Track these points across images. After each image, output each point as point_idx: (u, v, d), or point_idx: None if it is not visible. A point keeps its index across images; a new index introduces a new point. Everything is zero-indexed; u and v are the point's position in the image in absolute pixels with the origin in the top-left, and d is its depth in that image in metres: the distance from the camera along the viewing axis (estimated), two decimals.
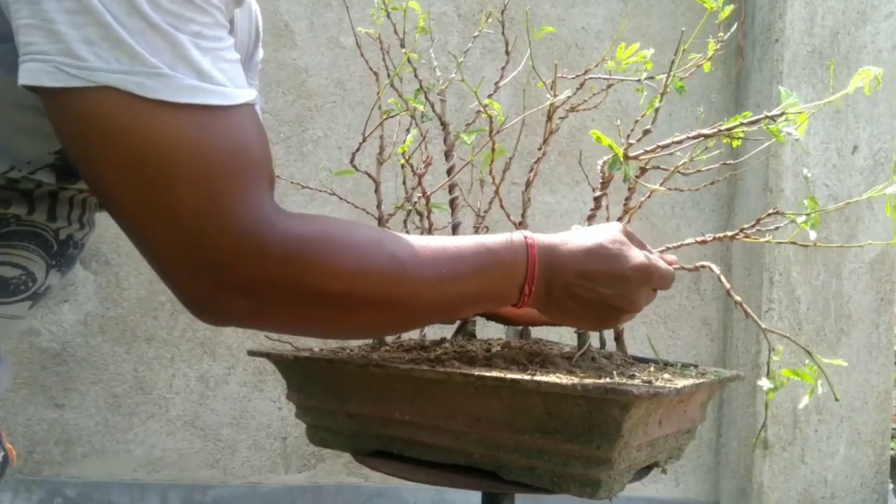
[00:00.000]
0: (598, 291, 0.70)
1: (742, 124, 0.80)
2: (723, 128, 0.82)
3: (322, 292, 0.60)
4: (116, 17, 0.50)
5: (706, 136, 0.83)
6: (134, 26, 0.51)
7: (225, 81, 0.55)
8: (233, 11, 0.61)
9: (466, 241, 0.69)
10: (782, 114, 0.76)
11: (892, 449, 2.26)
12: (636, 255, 0.72)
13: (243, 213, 0.55)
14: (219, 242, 0.55)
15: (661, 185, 0.85)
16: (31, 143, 0.61)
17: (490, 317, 0.92)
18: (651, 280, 0.73)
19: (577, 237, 0.72)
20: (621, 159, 0.78)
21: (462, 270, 0.67)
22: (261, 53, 0.91)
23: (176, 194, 0.53)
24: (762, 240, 0.77)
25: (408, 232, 1.14)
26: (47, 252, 0.69)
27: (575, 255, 0.71)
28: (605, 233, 0.73)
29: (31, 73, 0.50)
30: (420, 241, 0.67)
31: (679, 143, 0.84)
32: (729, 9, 0.89)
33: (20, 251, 0.67)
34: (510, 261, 0.69)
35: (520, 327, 1.08)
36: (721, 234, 0.83)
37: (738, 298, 0.76)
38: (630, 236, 0.75)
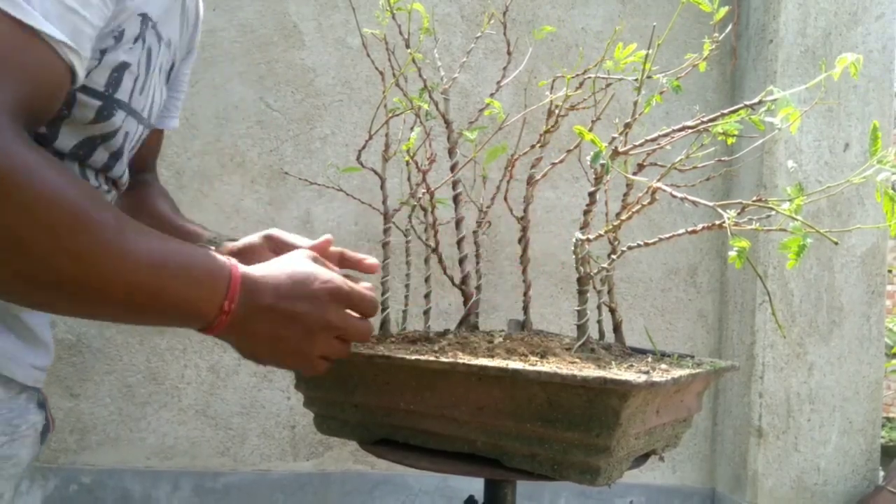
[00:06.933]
0: (294, 310, 0.71)
1: (722, 114, 0.83)
2: (705, 119, 0.86)
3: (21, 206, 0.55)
4: None
5: (691, 129, 0.86)
6: None
7: (39, 9, 0.58)
8: None
9: (182, 243, 0.68)
10: (760, 102, 0.79)
11: (882, 437, 2.30)
12: (326, 274, 0.74)
13: None
14: None
15: (657, 181, 0.87)
16: None
17: None
18: (343, 297, 0.74)
19: (272, 266, 0.74)
20: (603, 153, 0.82)
21: (173, 260, 0.65)
22: (198, 37, 0.97)
23: None
24: (749, 227, 0.80)
25: (412, 227, 1.18)
26: None
27: (272, 277, 0.72)
28: (293, 259, 0.76)
29: None
30: (142, 224, 0.65)
31: (665, 135, 0.87)
32: (724, 10, 0.91)
33: None
34: (216, 267, 0.68)
35: (521, 319, 1.12)
36: (709, 224, 0.84)
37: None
38: (316, 259, 0.78)
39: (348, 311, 0.77)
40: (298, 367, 0.76)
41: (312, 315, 0.72)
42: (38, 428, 0.77)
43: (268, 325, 0.70)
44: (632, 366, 0.84)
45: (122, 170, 0.81)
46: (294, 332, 0.72)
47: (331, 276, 0.75)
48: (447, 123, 1.12)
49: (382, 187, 1.13)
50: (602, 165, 0.83)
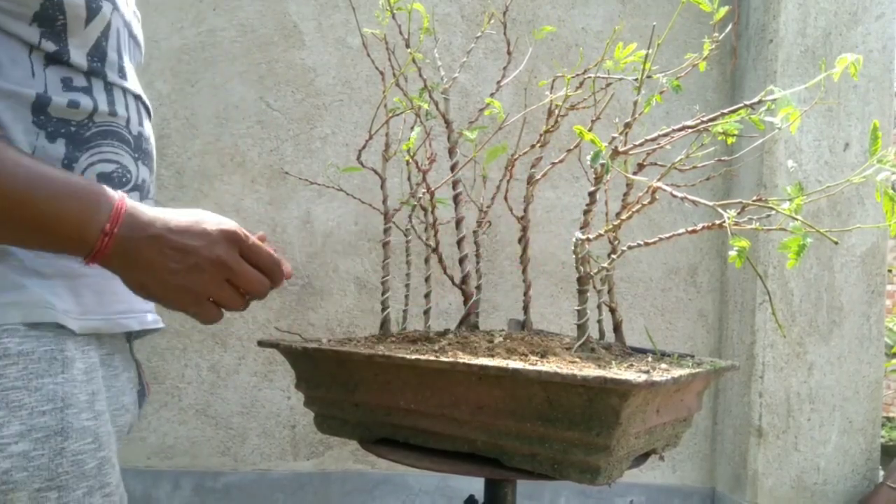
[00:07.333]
0: (182, 242, 0.70)
1: (722, 114, 0.83)
2: (705, 119, 0.86)
3: None
4: None
5: (691, 129, 0.86)
6: None
7: None
8: None
9: (67, 172, 0.68)
10: (760, 102, 0.79)
11: (882, 437, 2.30)
12: (224, 219, 0.73)
13: None
14: None
15: (658, 180, 0.88)
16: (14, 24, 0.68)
17: None
18: (237, 240, 0.72)
19: (167, 209, 0.74)
20: (603, 153, 0.82)
21: (52, 177, 0.65)
22: None
23: None
24: (749, 227, 0.80)
25: (412, 228, 1.19)
26: (128, 146, 0.78)
27: (164, 213, 0.71)
28: (192, 209, 0.75)
29: None
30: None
31: (665, 135, 0.87)
32: (724, 10, 0.92)
33: (108, 148, 0.76)
34: (100, 191, 0.68)
35: (521, 319, 1.12)
36: (710, 224, 0.85)
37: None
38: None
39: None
40: (188, 307, 0.72)
41: (201, 249, 0.70)
42: (131, 409, 0.83)
43: (155, 254, 0.69)
44: (632, 365, 0.85)
45: (134, 79, 0.83)
46: (182, 264, 0.69)
47: (228, 220, 0.73)
48: (447, 123, 1.12)
49: (382, 187, 1.14)
50: (602, 165, 0.83)
